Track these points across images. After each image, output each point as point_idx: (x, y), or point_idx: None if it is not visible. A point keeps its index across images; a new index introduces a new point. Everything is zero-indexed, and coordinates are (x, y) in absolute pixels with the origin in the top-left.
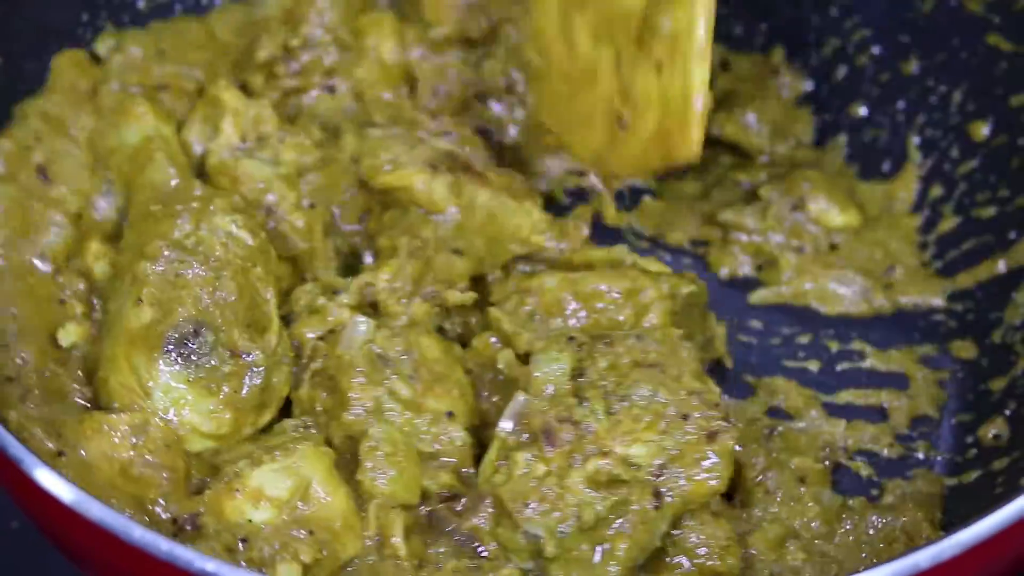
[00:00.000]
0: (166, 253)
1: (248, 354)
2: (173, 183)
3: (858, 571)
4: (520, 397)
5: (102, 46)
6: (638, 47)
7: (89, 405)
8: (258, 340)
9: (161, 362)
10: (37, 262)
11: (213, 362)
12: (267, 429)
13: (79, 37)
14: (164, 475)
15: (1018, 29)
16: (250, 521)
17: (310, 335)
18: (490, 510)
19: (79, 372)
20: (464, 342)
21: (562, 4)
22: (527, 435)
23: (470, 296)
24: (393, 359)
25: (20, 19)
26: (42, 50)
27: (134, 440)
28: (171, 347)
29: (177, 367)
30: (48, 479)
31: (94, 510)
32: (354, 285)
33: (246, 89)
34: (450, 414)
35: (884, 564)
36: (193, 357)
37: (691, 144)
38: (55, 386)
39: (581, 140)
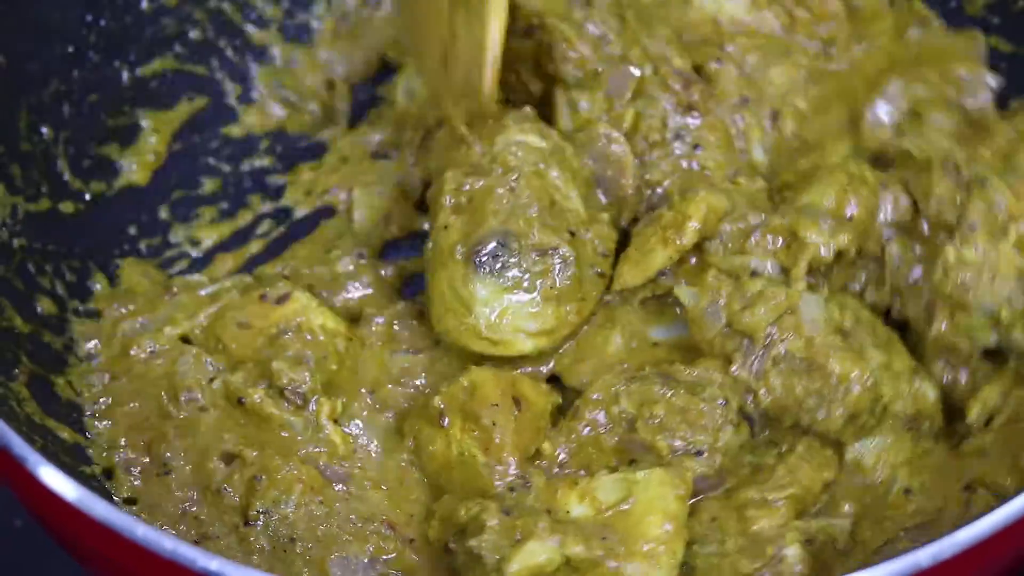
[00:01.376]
0: (461, 181)
1: (556, 249)
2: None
3: (858, 570)
4: None
5: None
6: None
7: None
8: (564, 235)
9: (475, 279)
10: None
11: (524, 265)
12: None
13: (82, 38)
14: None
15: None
16: (568, 512)
17: (765, 325)
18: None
19: None
20: None
21: None
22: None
23: None
24: (849, 329)
25: (22, 19)
26: (44, 50)
27: None
28: (482, 261)
29: (491, 278)
30: (52, 477)
31: (98, 508)
32: (802, 265)
33: None
34: (914, 370)
35: (884, 563)
36: (502, 267)
37: (484, 94)
38: None
39: (427, 71)
